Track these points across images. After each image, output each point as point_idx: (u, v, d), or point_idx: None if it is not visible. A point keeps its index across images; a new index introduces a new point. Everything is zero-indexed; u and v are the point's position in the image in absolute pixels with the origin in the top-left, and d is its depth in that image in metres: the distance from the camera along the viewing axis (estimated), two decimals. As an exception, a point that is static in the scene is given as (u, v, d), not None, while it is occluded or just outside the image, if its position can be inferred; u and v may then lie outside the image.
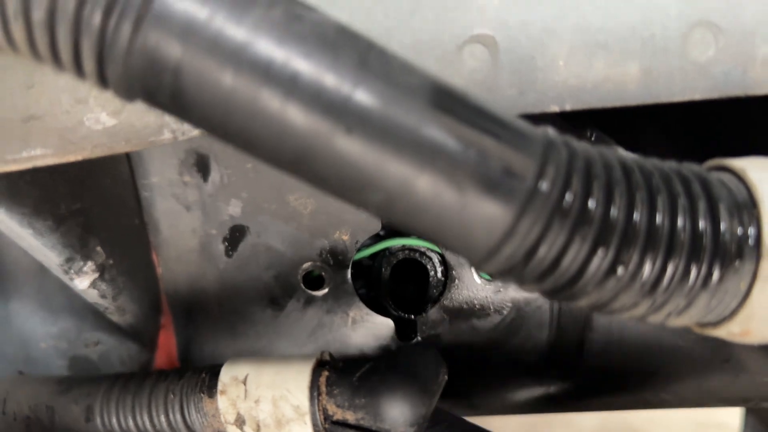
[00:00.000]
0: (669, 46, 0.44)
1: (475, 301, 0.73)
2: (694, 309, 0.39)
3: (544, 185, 0.36)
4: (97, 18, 0.33)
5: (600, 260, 0.36)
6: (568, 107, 0.44)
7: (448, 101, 0.36)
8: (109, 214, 0.66)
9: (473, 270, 0.74)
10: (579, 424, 2.01)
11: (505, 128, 0.37)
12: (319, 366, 0.48)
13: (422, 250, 0.74)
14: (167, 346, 0.75)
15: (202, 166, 0.69)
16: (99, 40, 0.34)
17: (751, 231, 0.38)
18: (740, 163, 0.40)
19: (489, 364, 0.79)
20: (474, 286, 0.73)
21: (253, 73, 0.34)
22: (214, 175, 0.68)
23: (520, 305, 0.75)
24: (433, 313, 0.72)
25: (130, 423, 0.53)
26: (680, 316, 0.39)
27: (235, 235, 0.70)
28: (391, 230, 0.75)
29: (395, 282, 0.76)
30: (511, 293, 0.75)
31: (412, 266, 0.75)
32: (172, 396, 0.51)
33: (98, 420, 0.54)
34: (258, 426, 0.46)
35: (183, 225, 0.71)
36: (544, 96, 0.44)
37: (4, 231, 0.57)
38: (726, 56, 0.44)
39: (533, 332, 0.75)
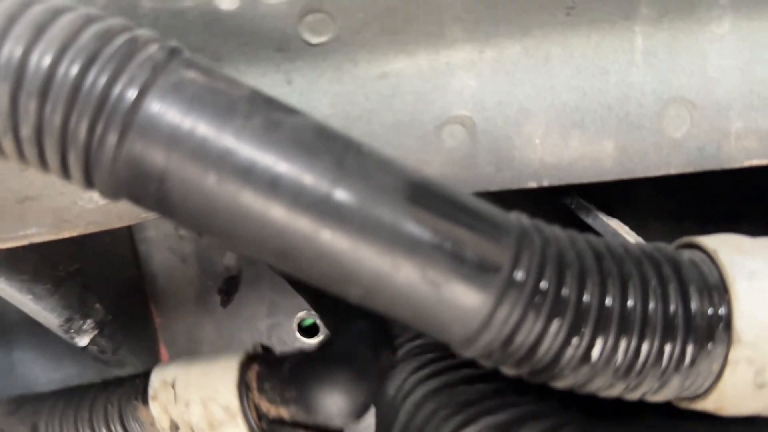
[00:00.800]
0: (644, 123, 0.45)
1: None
2: (668, 389, 0.40)
3: (519, 275, 0.37)
4: (82, 130, 0.34)
5: (574, 348, 0.37)
6: (545, 183, 0.46)
7: (423, 195, 0.37)
8: (108, 270, 0.68)
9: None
10: None
11: (479, 219, 0.38)
12: (250, 361, 0.45)
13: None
14: (167, 394, 0.76)
15: (196, 221, 0.70)
16: (85, 152, 0.35)
17: (723, 313, 0.39)
18: (712, 244, 0.41)
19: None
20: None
21: (236, 179, 0.35)
22: (209, 230, 0.69)
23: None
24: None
25: None
26: (656, 395, 0.40)
27: (231, 286, 0.72)
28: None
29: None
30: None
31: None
32: (110, 407, 0.50)
33: None
34: (193, 431, 0.44)
35: (179, 277, 0.73)
36: (522, 173, 0.45)
37: (5, 297, 0.58)
38: (700, 131, 0.45)
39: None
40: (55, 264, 0.60)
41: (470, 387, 0.44)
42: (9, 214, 0.49)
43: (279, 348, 0.75)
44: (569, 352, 0.38)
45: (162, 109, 0.34)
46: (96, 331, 0.64)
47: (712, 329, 0.39)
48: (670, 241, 0.45)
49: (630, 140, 0.45)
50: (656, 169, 0.46)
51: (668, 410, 0.43)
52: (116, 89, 0.34)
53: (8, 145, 0.35)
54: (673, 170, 0.46)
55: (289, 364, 0.44)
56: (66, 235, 0.50)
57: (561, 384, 0.40)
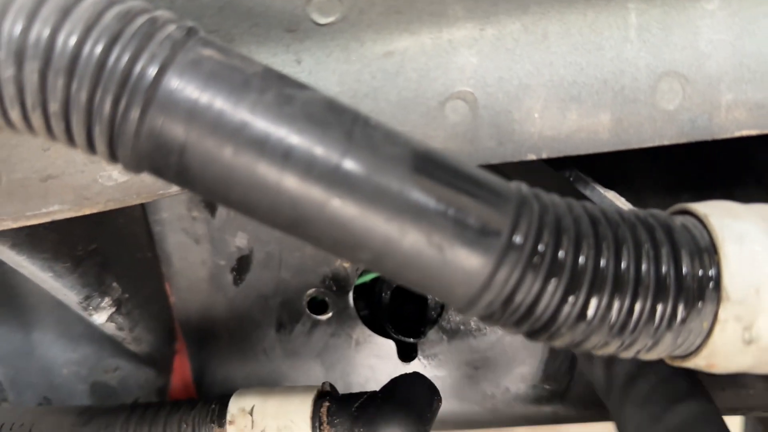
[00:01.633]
0: (638, 97, 0.47)
1: (472, 322, 0.76)
2: (661, 347, 0.42)
3: (518, 239, 0.39)
4: (107, 105, 0.37)
5: (571, 306, 0.40)
6: (544, 155, 0.48)
7: (427, 165, 0.40)
8: (124, 250, 0.70)
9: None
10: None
11: (480, 187, 0.40)
12: (320, 397, 0.50)
13: (421, 271, 0.77)
14: (182, 370, 0.79)
15: (209, 201, 0.73)
16: (109, 126, 0.37)
17: (712, 274, 0.41)
18: (703, 209, 0.43)
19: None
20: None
21: (251, 151, 0.37)
22: (221, 210, 0.72)
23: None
24: (432, 334, 0.76)
25: None
26: (649, 352, 0.43)
27: (242, 265, 0.74)
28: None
29: (396, 303, 0.80)
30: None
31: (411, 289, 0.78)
32: (185, 426, 0.54)
33: None
34: None
35: (193, 257, 0.75)
36: (521, 146, 0.47)
37: (27, 275, 0.61)
38: (692, 104, 0.47)
39: (527, 349, 0.79)
40: (74, 244, 0.63)
41: None
42: (33, 193, 0.51)
43: (294, 327, 0.78)
44: (566, 310, 0.40)
45: (181, 85, 0.37)
46: (113, 309, 0.66)
47: (702, 289, 0.41)
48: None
49: (625, 113, 0.47)
50: (650, 141, 0.48)
51: None
52: (138, 66, 0.36)
53: (37, 121, 0.38)
54: (666, 141, 0.48)
55: (357, 403, 0.49)
56: (87, 211, 0.52)
57: (559, 342, 0.42)
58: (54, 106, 0.37)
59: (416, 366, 0.78)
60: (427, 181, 0.39)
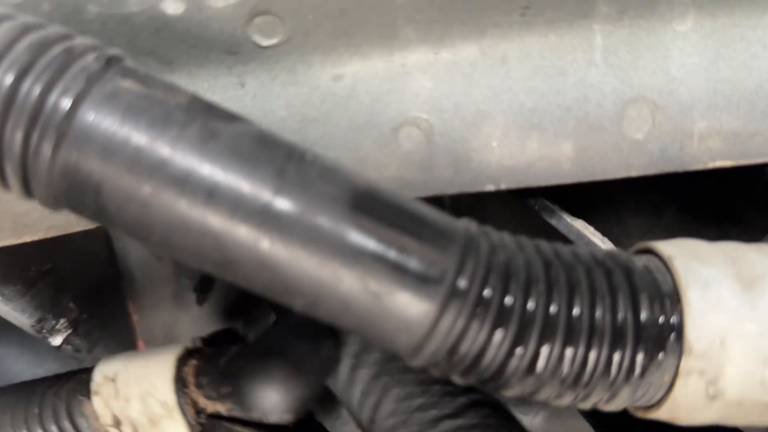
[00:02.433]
0: (604, 125, 0.44)
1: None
2: (619, 400, 0.39)
3: (463, 283, 0.36)
4: (17, 141, 0.34)
5: (519, 358, 0.37)
6: (503, 186, 0.45)
7: (367, 203, 0.37)
8: (83, 268, 0.68)
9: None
10: None
11: (425, 226, 0.37)
12: (188, 356, 0.45)
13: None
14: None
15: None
16: (22, 162, 0.35)
17: (674, 322, 0.38)
18: (668, 249, 0.41)
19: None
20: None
21: (171, 190, 0.34)
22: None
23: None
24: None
25: None
26: (607, 404, 0.40)
27: (205, 284, 0.72)
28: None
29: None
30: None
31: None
32: (58, 402, 0.50)
33: None
34: (135, 427, 0.44)
35: (156, 274, 0.73)
36: (480, 176, 0.45)
37: (-28, 299, 0.59)
38: (662, 132, 0.44)
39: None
40: (26, 265, 0.60)
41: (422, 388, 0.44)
42: (-33, 220, 0.49)
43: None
44: (514, 362, 0.37)
45: (96, 120, 0.34)
46: (70, 330, 0.64)
47: (663, 339, 0.38)
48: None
49: (589, 142, 0.44)
50: (616, 172, 0.45)
51: None
52: (50, 100, 0.34)
53: (-56, 157, 0.35)
54: (634, 172, 0.45)
55: (225, 359, 0.43)
56: (27, 239, 0.50)
57: (510, 393, 0.40)
58: (-40, 142, 0.34)
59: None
60: (365, 220, 0.36)
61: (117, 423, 0.46)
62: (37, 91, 0.34)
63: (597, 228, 0.55)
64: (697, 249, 0.41)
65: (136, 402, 0.44)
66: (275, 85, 0.45)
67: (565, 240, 0.57)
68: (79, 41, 0.36)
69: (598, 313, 0.37)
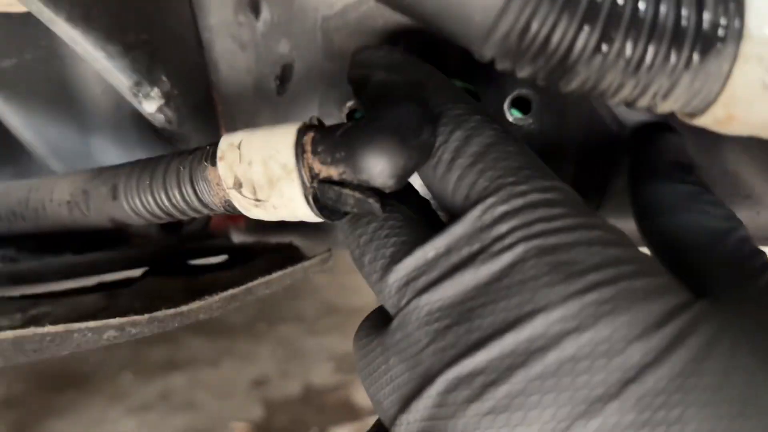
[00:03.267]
0: None
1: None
2: (679, 90, 0.42)
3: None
4: None
5: (586, 37, 0.40)
6: None
7: None
8: (174, 50, 0.73)
9: (504, 107, 0.77)
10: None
11: None
12: (307, 128, 0.49)
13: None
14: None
15: (254, 5, 0.74)
16: None
17: (734, 11, 0.40)
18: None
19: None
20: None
21: None
22: (265, 14, 0.73)
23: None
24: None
25: (149, 199, 0.57)
26: (666, 98, 0.43)
27: (285, 73, 0.76)
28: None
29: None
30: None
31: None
32: (182, 169, 0.54)
33: (122, 198, 0.59)
34: (254, 188, 0.49)
35: (239, 64, 0.77)
36: None
37: (80, 52, 0.64)
38: None
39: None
40: (125, 29, 0.66)
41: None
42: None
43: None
44: (581, 42, 0.40)
45: None
46: (162, 101, 0.70)
47: (722, 27, 0.40)
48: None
49: None
50: None
51: None
52: None
53: None
54: None
55: (340, 131, 0.47)
56: None
57: (574, 84, 0.43)
58: None
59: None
60: None
61: (239, 185, 0.50)
62: None
63: None
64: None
65: (258, 165, 0.48)
66: None
67: None
68: None
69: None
